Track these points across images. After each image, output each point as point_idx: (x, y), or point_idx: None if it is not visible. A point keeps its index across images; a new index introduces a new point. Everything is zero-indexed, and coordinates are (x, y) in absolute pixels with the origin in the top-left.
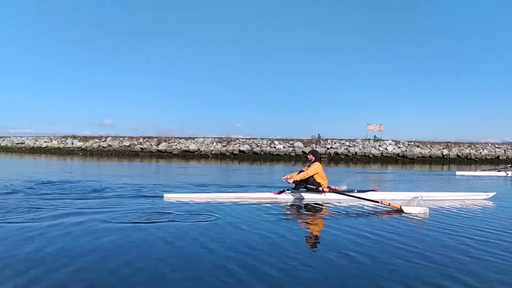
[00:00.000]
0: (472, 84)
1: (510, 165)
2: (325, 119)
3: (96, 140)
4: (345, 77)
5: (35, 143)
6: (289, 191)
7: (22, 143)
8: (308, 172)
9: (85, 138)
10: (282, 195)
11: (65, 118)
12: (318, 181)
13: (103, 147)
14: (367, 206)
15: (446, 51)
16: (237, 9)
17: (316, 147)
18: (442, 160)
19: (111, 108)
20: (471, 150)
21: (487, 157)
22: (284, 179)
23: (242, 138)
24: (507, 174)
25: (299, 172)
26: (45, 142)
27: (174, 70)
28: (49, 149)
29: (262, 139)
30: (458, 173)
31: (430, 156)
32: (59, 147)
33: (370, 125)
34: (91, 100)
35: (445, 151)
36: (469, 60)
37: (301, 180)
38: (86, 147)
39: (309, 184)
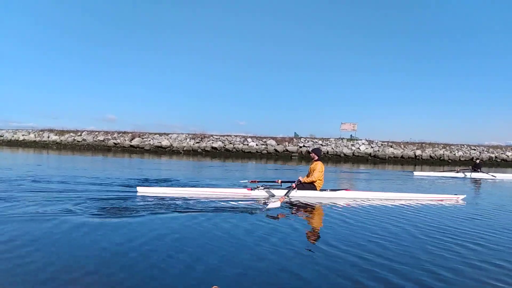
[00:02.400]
0: (467, 86)
1: (471, 167)
2: (302, 118)
3: (71, 134)
4: (323, 75)
5: (13, 136)
6: (262, 188)
7: (0, 136)
8: (315, 176)
9: (61, 132)
10: (255, 192)
11: (69, 113)
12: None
13: (77, 141)
14: (338, 202)
15: (431, 51)
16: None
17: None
18: (415, 161)
19: (114, 104)
20: (445, 151)
21: (461, 159)
22: (299, 179)
23: (216, 135)
24: (465, 175)
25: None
26: (22, 135)
27: (178, 66)
28: (25, 142)
29: (236, 136)
30: (416, 173)
31: (402, 157)
32: (35, 141)
33: (344, 125)
34: (95, 95)
35: (418, 152)
36: (469, 61)
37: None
38: (61, 140)
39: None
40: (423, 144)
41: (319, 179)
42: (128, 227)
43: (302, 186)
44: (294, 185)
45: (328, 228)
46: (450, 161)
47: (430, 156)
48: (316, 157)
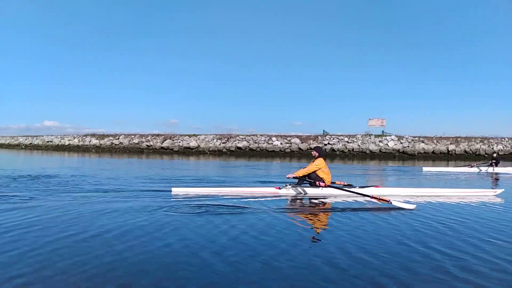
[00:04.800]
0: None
1: (491, 162)
2: (331, 115)
3: (110, 138)
4: (350, 70)
5: (60, 141)
6: (290, 186)
7: (50, 141)
8: (309, 168)
9: (101, 137)
10: (283, 190)
11: (134, 118)
12: (320, 176)
13: (115, 144)
14: (365, 201)
15: (457, 39)
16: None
17: (312, 144)
18: (447, 156)
19: (177, 109)
20: (482, 146)
21: (499, 153)
22: (288, 176)
23: (242, 135)
24: (480, 170)
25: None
26: (69, 140)
27: (236, 71)
28: (69, 147)
29: (261, 135)
30: (425, 169)
31: (433, 152)
32: (78, 145)
33: (372, 120)
34: (159, 101)
35: (452, 147)
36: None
37: (303, 176)
38: (101, 144)
39: (310, 179)
40: (458, 139)
41: (322, 173)
42: (160, 227)
43: (309, 183)
44: (323, 184)
45: (357, 227)
46: (486, 155)
47: (465, 151)
48: (317, 155)
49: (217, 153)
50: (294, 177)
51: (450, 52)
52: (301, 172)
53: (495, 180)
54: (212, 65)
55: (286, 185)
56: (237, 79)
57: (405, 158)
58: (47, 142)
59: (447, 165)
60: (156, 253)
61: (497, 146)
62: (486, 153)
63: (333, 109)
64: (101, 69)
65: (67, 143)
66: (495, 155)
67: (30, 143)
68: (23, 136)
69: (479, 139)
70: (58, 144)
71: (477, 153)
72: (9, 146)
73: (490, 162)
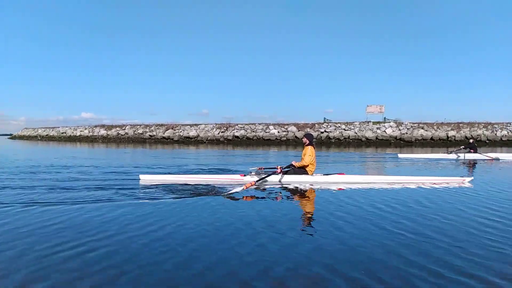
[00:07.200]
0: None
1: (463, 147)
2: (331, 103)
3: (117, 128)
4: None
5: (73, 132)
6: (254, 174)
7: (64, 133)
8: (306, 160)
9: (109, 127)
10: (248, 177)
11: (167, 109)
12: (306, 166)
13: (121, 134)
14: (319, 187)
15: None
16: None
17: (308, 131)
18: (446, 143)
19: (208, 99)
20: (485, 131)
21: (503, 139)
22: (292, 163)
23: (241, 124)
24: (459, 156)
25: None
26: (80, 131)
27: (265, 59)
28: (80, 138)
29: (259, 124)
30: (400, 155)
31: (432, 138)
32: (87, 136)
33: (370, 107)
34: (191, 93)
35: (451, 133)
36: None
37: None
38: (108, 135)
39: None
40: (460, 124)
41: (310, 163)
42: (120, 213)
43: (293, 170)
44: (278, 170)
45: (316, 213)
46: (488, 141)
47: (466, 137)
48: (308, 142)
49: (215, 142)
50: (292, 166)
51: (454, 35)
52: (299, 164)
53: (469, 167)
54: (244, 54)
55: (251, 173)
56: (265, 70)
57: (402, 145)
58: (62, 133)
59: (447, 151)
60: (111, 240)
61: (501, 132)
62: (488, 139)
63: (334, 95)
64: (140, 61)
65: (78, 134)
66: (471, 141)
67: (47, 135)
68: (42, 128)
69: (483, 124)
70: (70, 135)
71: (478, 139)
72: (29, 138)
73: (464, 147)
